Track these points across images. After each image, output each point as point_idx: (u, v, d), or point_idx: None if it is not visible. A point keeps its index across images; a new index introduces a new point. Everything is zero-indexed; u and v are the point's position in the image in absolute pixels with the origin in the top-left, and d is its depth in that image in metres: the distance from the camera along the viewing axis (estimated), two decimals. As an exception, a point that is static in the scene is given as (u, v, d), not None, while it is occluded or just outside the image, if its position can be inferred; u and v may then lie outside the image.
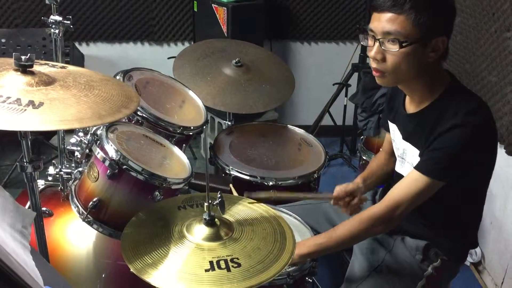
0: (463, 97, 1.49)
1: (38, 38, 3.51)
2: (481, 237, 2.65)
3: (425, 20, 1.37)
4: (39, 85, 1.20)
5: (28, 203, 1.85)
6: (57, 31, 1.77)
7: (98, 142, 1.58)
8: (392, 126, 1.72)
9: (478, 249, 2.67)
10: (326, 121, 3.81)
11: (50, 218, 1.86)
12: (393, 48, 1.41)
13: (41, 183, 2.03)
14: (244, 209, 1.38)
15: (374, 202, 1.88)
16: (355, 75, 3.67)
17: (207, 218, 1.22)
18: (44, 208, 1.81)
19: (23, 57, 1.21)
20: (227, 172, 2.05)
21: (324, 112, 3.77)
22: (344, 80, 3.67)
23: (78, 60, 3.96)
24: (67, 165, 1.91)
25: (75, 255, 1.84)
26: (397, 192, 1.52)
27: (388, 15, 1.39)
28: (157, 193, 1.57)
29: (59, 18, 1.77)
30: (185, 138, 1.99)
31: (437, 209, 1.57)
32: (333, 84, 3.72)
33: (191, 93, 2.19)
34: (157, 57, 3.86)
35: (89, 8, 3.71)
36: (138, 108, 1.86)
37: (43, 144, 3.44)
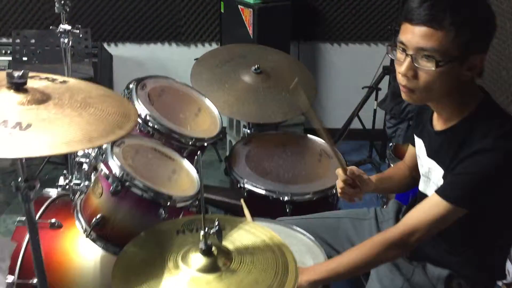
0: (495, 117, 1.36)
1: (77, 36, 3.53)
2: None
3: (465, 38, 1.24)
4: (31, 103, 1.15)
5: (40, 212, 1.85)
6: (66, 40, 1.72)
7: (103, 157, 1.54)
8: (419, 142, 1.61)
9: (510, 266, 2.50)
10: (355, 124, 3.68)
11: (60, 230, 1.83)
12: (428, 66, 1.28)
13: (53, 192, 2.01)
14: (246, 234, 1.30)
15: (397, 220, 1.77)
16: (386, 78, 3.52)
17: (203, 247, 1.15)
18: (53, 220, 1.78)
19: (15, 74, 1.16)
20: (241, 185, 1.97)
21: (353, 116, 3.64)
22: (374, 83, 3.53)
23: (107, 60, 3.97)
24: (78, 176, 1.88)
25: (84, 268, 1.80)
26: (414, 217, 1.41)
27: (423, 29, 1.26)
28: (161, 211, 1.52)
29: (68, 27, 1.73)
30: (198, 149, 1.93)
31: (462, 235, 1.46)
32: (362, 88, 3.58)
33: (207, 101, 2.13)
34: (184, 58, 3.82)
35: (118, 9, 3.71)
36: (149, 118, 1.82)
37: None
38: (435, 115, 1.51)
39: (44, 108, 1.16)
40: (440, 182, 1.43)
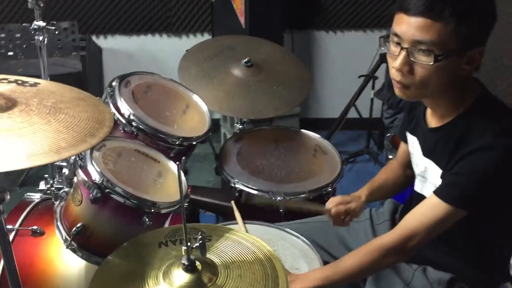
0: (493, 112, 1.28)
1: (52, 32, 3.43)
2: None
3: (466, 30, 1.15)
4: (-5, 112, 1.06)
5: (21, 218, 1.76)
6: (41, 37, 1.61)
7: (82, 162, 1.44)
8: (412, 139, 1.52)
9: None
10: (352, 114, 3.59)
11: (42, 237, 1.74)
12: (426, 61, 1.19)
13: (36, 197, 1.92)
14: (234, 245, 1.21)
15: (393, 221, 1.69)
16: (383, 66, 3.42)
17: (186, 263, 1.06)
18: (34, 227, 1.69)
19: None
20: (232, 185, 1.88)
21: (350, 105, 3.55)
22: (371, 71, 3.43)
23: (96, 54, 3.87)
24: (60, 180, 1.79)
25: (68, 277, 1.71)
26: (412, 220, 1.33)
27: (420, 20, 1.17)
28: (145, 218, 1.43)
29: (42, 24, 1.61)
30: (185, 149, 1.83)
31: (462, 235, 1.38)
32: (359, 77, 3.48)
33: (195, 97, 2.02)
34: (175, 49, 3.72)
35: (106, 0, 3.61)
36: (133, 118, 1.72)
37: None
38: (428, 111, 1.43)
39: (8, 116, 1.06)
40: (438, 182, 1.35)
